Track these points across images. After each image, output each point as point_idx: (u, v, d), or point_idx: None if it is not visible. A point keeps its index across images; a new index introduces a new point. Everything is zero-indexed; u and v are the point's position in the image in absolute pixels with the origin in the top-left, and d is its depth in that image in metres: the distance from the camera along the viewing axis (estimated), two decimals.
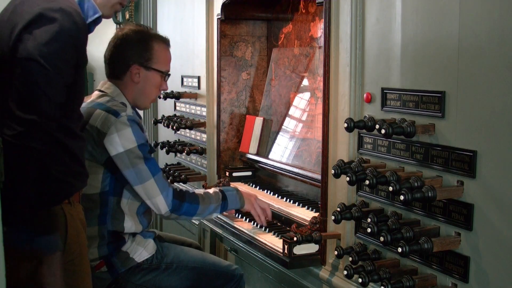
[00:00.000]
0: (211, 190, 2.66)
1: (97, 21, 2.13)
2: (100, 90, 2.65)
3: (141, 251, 2.55)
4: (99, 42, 5.86)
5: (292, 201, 2.99)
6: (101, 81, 2.73)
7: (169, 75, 2.73)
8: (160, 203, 2.46)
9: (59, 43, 1.89)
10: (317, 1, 2.47)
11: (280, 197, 3.10)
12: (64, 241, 2.02)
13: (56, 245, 1.98)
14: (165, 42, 2.72)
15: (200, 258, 2.74)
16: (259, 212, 2.73)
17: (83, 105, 2.55)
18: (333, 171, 2.18)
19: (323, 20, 2.43)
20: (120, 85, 2.63)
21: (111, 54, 2.65)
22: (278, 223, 2.91)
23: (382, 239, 1.94)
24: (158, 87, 2.69)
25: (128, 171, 2.44)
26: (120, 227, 2.52)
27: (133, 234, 2.58)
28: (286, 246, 2.48)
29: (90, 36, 2.10)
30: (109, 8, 2.21)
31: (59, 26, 1.89)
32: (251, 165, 3.53)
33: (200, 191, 2.64)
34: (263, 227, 2.86)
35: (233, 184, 3.44)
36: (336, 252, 2.29)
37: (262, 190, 3.27)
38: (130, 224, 2.54)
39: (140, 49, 2.61)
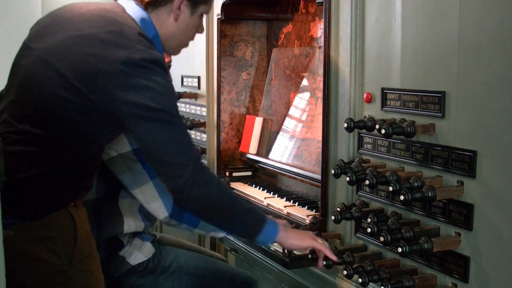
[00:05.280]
0: None
1: None
2: None
3: (137, 254, 2.48)
4: None
5: (292, 201, 2.98)
6: None
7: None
8: (159, 208, 2.37)
9: (167, 89, 1.95)
10: (317, 1, 2.47)
11: (280, 197, 3.10)
12: (74, 242, 2.02)
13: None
14: None
15: (203, 264, 2.62)
16: None
17: None
18: (333, 171, 2.18)
19: (323, 20, 2.43)
20: None
21: None
22: None
23: (382, 239, 1.94)
24: None
25: (124, 175, 2.37)
26: (118, 230, 2.46)
27: (132, 236, 2.51)
28: None
29: None
30: (179, 49, 2.24)
31: (159, 75, 1.91)
32: (251, 165, 3.53)
33: None
34: None
35: (233, 184, 3.44)
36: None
37: (262, 190, 3.27)
38: (129, 225, 2.47)
39: None
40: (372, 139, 2.23)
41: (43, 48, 1.95)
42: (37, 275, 1.97)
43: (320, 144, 2.59)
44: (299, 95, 3.23)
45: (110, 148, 2.35)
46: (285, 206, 2.92)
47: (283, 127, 3.30)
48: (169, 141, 1.92)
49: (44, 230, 1.97)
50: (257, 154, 3.41)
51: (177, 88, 4.07)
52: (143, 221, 2.53)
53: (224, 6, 3.43)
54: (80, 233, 2.03)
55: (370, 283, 2.06)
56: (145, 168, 2.38)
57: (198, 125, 3.81)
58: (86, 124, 1.92)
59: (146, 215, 2.55)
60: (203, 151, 3.77)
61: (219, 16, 3.48)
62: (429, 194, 1.82)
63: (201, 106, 3.82)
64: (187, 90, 4.01)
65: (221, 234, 2.54)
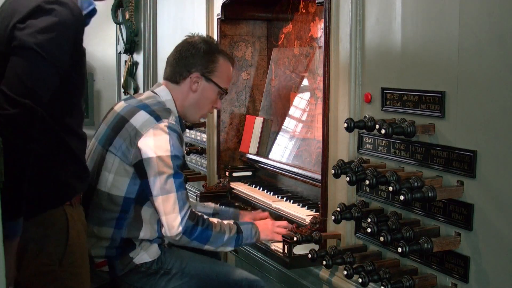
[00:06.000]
0: (225, 221, 2.54)
1: (92, 13, 2.10)
2: (152, 91, 2.63)
3: (143, 254, 2.49)
4: (99, 41, 5.87)
5: (292, 201, 2.99)
6: (157, 82, 2.68)
7: (226, 93, 2.71)
8: (175, 222, 2.36)
9: (55, 32, 1.89)
10: (317, 1, 2.48)
11: (280, 197, 3.10)
12: (65, 242, 2.01)
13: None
14: (231, 61, 2.71)
15: (207, 266, 2.60)
16: (279, 237, 2.58)
17: (131, 102, 2.55)
18: (333, 171, 2.18)
19: (323, 20, 2.43)
20: (175, 90, 2.60)
21: (176, 57, 2.62)
22: None
23: (382, 239, 1.94)
24: (212, 103, 2.67)
25: (153, 178, 2.37)
26: (135, 235, 2.47)
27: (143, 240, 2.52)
28: (286, 246, 2.48)
29: (89, 35, 2.08)
30: None
31: (55, 16, 1.89)
32: (251, 165, 3.53)
33: (214, 219, 2.52)
34: None
35: (233, 184, 3.44)
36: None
37: (262, 190, 3.27)
38: (145, 233, 2.48)
39: (206, 59, 2.60)
40: (372, 139, 2.23)
41: None
42: (25, 273, 1.96)
43: (320, 144, 2.59)
44: (299, 95, 3.23)
45: (151, 149, 2.38)
46: (285, 206, 2.92)
47: (283, 127, 3.30)
48: (20, 74, 1.83)
49: (40, 228, 1.96)
50: (257, 154, 3.41)
51: None
52: (158, 232, 2.52)
53: (224, 6, 3.43)
54: (72, 234, 2.02)
55: (370, 283, 2.06)
56: (174, 178, 2.39)
57: (198, 125, 3.81)
58: None
59: (161, 228, 2.52)
60: (203, 151, 3.77)
61: (219, 16, 3.48)
62: (429, 194, 1.82)
63: None
64: None
65: (229, 248, 2.53)
